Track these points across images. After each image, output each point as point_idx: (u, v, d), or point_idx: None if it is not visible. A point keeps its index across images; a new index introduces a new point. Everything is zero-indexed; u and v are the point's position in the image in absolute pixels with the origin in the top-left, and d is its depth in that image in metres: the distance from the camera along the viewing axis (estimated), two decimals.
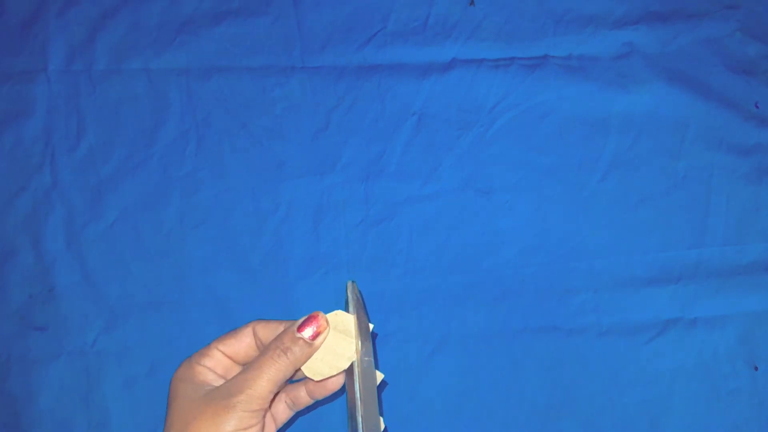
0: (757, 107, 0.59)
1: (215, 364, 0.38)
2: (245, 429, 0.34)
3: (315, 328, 0.37)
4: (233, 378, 0.36)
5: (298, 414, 0.43)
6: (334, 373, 0.38)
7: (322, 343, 0.38)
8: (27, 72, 0.58)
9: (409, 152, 0.58)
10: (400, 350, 0.56)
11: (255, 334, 0.39)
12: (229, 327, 0.56)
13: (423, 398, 0.56)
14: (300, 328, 0.37)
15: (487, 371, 0.56)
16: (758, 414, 0.55)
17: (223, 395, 0.35)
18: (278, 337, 0.37)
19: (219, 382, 0.37)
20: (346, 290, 0.41)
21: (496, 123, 0.59)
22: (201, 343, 0.55)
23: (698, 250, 0.57)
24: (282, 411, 0.42)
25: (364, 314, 0.40)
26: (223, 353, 0.39)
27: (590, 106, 0.59)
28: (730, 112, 0.58)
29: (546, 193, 0.58)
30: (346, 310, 0.40)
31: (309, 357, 0.38)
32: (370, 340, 0.39)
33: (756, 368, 0.56)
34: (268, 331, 0.39)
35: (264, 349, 0.37)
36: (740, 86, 0.59)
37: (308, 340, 0.37)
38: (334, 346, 0.38)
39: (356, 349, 0.38)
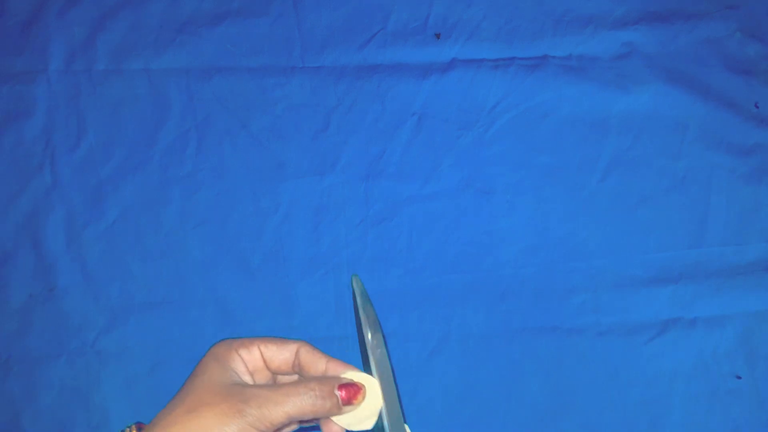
0: (756, 107, 0.59)
1: (250, 359, 0.39)
2: None
3: (350, 397, 0.38)
4: (261, 388, 0.36)
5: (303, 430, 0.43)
6: (345, 427, 0.39)
7: (349, 411, 0.38)
8: (27, 72, 0.58)
9: (409, 152, 0.59)
10: (400, 350, 0.56)
11: (297, 353, 0.39)
12: (230, 327, 0.56)
13: (423, 398, 0.56)
14: (340, 387, 0.37)
15: (487, 371, 0.56)
16: (758, 414, 0.55)
17: (242, 398, 0.35)
18: (321, 381, 0.37)
19: (246, 377, 0.38)
20: (352, 284, 0.41)
21: (496, 123, 0.59)
22: (201, 343, 0.55)
23: (698, 250, 0.57)
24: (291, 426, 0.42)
25: (371, 307, 0.40)
26: (261, 353, 0.39)
27: (590, 107, 0.59)
28: (729, 112, 0.59)
29: (546, 193, 0.58)
30: (355, 304, 0.41)
31: (332, 415, 0.38)
32: (380, 331, 0.39)
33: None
34: (310, 357, 0.39)
35: (302, 382, 0.37)
36: (740, 86, 0.59)
37: (340, 404, 0.37)
38: (363, 408, 0.39)
39: (380, 413, 0.39)
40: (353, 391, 0.38)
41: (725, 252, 0.57)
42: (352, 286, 0.41)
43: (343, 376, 0.39)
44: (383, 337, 0.40)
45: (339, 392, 0.37)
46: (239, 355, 0.38)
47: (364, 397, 0.38)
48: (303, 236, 0.57)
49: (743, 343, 0.56)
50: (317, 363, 0.39)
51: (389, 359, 0.39)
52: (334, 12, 0.60)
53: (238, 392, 0.35)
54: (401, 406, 0.39)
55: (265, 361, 0.39)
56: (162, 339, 0.55)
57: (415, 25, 0.60)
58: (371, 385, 0.39)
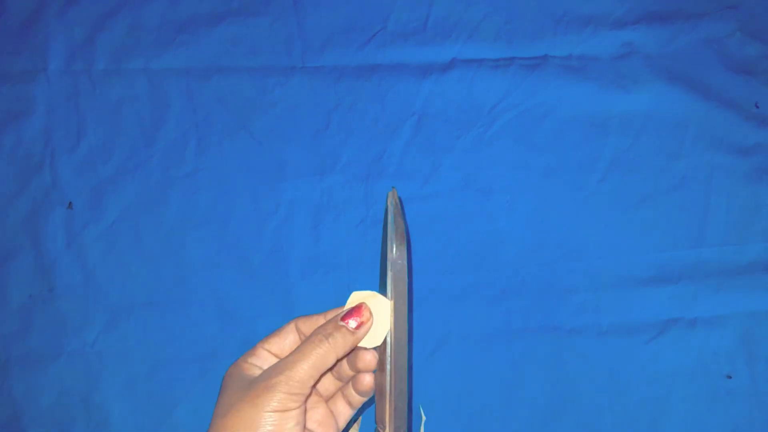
0: (757, 107, 0.59)
1: (262, 362, 0.39)
2: (285, 411, 0.34)
3: (359, 319, 0.38)
4: (278, 361, 0.36)
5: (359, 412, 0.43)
6: (368, 347, 0.39)
7: (365, 334, 0.38)
8: (27, 72, 0.58)
9: (409, 152, 0.58)
10: None
11: (298, 330, 0.40)
12: (230, 327, 0.56)
13: (423, 398, 0.56)
14: (344, 318, 0.38)
15: (487, 371, 0.56)
16: (758, 414, 0.55)
17: (264, 378, 0.35)
18: (322, 325, 0.38)
19: None
20: (387, 199, 0.40)
21: (496, 123, 0.59)
22: (201, 343, 0.56)
23: (698, 250, 0.57)
24: (343, 409, 0.42)
25: (401, 220, 0.39)
26: (268, 351, 0.39)
27: (590, 107, 0.59)
28: (730, 112, 0.58)
29: (546, 193, 0.58)
30: (386, 217, 0.40)
31: (352, 346, 0.38)
32: (406, 245, 0.38)
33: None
34: (309, 324, 0.39)
35: (307, 336, 0.37)
36: (740, 86, 0.59)
37: (351, 330, 0.37)
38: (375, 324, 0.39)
39: (390, 328, 0.39)
40: (356, 312, 0.38)
41: (725, 252, 0.57)
42: (387, 203, 0.40)
43: (348, 299, 0.39)
44: (408, 252, 0.39)
45: (343, 322, 0.37)
46: (250, 363, 0.38)
47: (370, 312, 0.38)
48: (303, 236, 0.57)
49: (743, 344, 0.56)
50: (317, 325, 0.39)
51: (408, 275, 0.38)
52: (334, 12, 0.60)
53: (258, 378, 0.36)
54: (409, 326, 0.38)
55: (276, 356, 0.39)
56: (162, 339, 0.55)
57: (415, 25, 0.60)
58: (377, 300, 0.39)
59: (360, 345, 0.38)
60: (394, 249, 0.38)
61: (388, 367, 0.38)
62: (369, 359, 0.39)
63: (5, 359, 0.55)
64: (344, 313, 0.38)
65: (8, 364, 0.55)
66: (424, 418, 0.54)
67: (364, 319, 0.38)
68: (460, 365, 0.56)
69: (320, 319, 0.39)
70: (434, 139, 0.59)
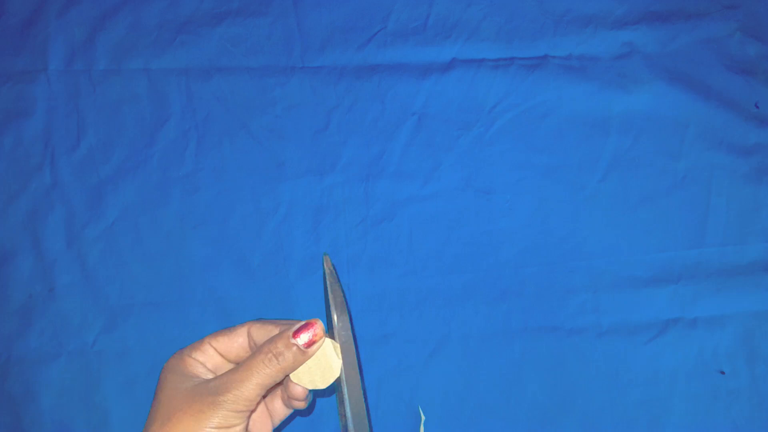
0: (757, 107, 0.59)
1: (206, 358, 0.38)
2: (228, 427, 0.34)
3: (311, 336, 0.36)
4: (222, 375, 0.36)
5: (297, 413, 0.43)
6: (312, 388, 0.38)
7: (315, 351, 0.37)
8: (27, 72, 0.58)
9: (409, 152, 0.58)
10: (400, 350, 0.56)
11: (249, 335, 0.39)
12: (229, 326, 0.56)
13: (423, 398, 0.56)
14: (295, 334, 0.36)
15: (487, 371, 0.56)
16: (758, 414, 0.55)
17: (210, 392, 0.34)
18: (272, 340, 0.36)
19: (208, 375, 0.37)
20: (323, 264, 0.41)
21: (496, 123, 0.59)
22: None
23: (698, 250, 0.57)
24: (279, 408, 0.41)
25: (339, 288, 0.39)
26: (215, 349, 0.38)
27: (590, 106, 0.59)
28: (730, 112, 0.58)
29: (546, 193, 0.58)
30: (324, 284, 0.40)
31: (301, 364, 0.37)
32: (347, 313, 0.38)
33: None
34: (263, 332, 0.38)
35: (257, 350, 0.36)
36: (740, 86, 0.59)
37: (302, 348, 0.36)
38: (321, 363, 0.38)
39: (341, 369, 0.38)
40: (310, 329, 0.36)
41: (726, 252, 0.57)
42: (323, 266, 0.40)
43: None
44: (350, 320, 0.39)
45: (295, 339, 0.36)
46: (194, 359, 0.37)
47: (323, 330, 0.37)
48: (303, 236, 0.57)
49: (743, 344, 0.56)
50: (270, 335, 0.38)
51: (354, 343, 0.38)
52: (334, 12, 0.60)
53: (204, 388, 0.35)
54: (364, 394, 0.38)
55: (222, 355, 0.38)
56: (162, 339, 0.55)
57: (415, 25, 0.60)
58: (324, 343, 0.38)
59: (295, 382, 0.38)
60: (336, 319, 0.37)
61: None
62: (299, 392, 0.38)
63: (5, 359, 0.55)
64: (297, 327, 0.37)
65: (8, 364, 0.55)
66: (423, 418, 0.54)
67: (316, 337, 0.36)
68: (460, 365, 0.56)
69: (274, 330, 0.38)
70: (434, 139, 0.59)
